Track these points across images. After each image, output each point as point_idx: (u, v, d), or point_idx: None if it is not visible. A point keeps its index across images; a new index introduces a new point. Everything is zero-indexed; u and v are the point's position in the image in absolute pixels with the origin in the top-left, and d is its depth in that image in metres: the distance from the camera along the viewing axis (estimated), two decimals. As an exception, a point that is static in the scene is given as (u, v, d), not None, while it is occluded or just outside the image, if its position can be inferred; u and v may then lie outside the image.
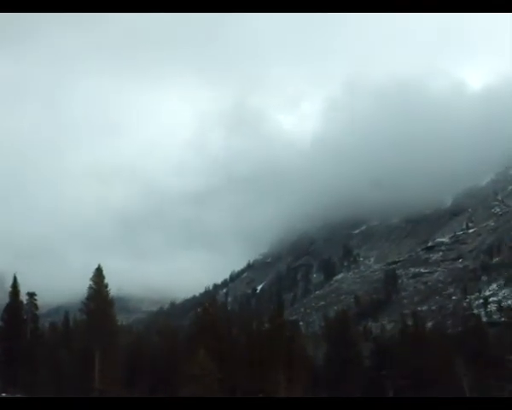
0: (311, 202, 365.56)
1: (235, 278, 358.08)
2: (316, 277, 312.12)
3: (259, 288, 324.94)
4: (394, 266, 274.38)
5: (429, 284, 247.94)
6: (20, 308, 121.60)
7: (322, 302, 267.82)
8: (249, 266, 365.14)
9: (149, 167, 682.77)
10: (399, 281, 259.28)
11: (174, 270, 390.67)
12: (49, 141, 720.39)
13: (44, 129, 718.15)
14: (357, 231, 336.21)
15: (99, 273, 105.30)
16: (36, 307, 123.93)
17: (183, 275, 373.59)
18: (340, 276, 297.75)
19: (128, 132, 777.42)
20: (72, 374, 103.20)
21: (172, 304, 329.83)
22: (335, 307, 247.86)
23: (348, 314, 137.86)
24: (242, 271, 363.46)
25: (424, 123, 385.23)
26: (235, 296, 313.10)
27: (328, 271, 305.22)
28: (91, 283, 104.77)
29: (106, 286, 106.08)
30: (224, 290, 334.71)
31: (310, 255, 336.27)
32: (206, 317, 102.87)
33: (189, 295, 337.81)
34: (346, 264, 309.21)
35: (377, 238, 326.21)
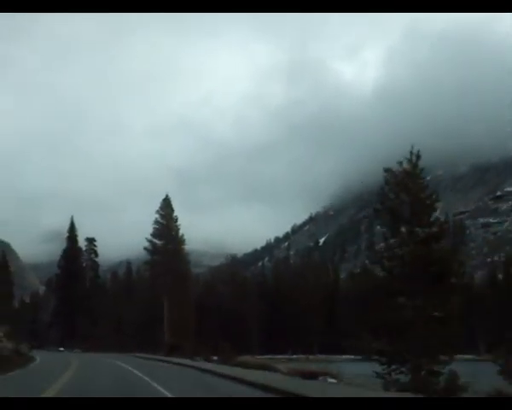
0: (374, 152, 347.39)
1: (296, 231, 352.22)
2: (380, 228, 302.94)
3: (322, 240, 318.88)
4: (462, 216, 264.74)
5: (499, 234, 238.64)
6: (79, 254, 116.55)
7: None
8: (311, 219, 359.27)
9: (207, 121, 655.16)
10: (467, 232, 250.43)
11: (234, 224, 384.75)
12: (107, 97, 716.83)
13: (102, 85, 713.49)
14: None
15: (167, 204, 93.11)
16: (96, 253, 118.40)
17: (244, 229, 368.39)
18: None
19: (185, 86, 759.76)
20: (137, 327, 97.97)
21: (233, 258, 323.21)
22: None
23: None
24: (304, 224, 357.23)
25: (490, 68, 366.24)
26: (297, 250, 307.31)
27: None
28: (158, 216, 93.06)
29: (175, 220, 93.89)
30: (286, 244, 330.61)
31: (373, 207, 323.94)
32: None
33: (249, 249, 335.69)
34: None
35: (443, 188, 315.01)
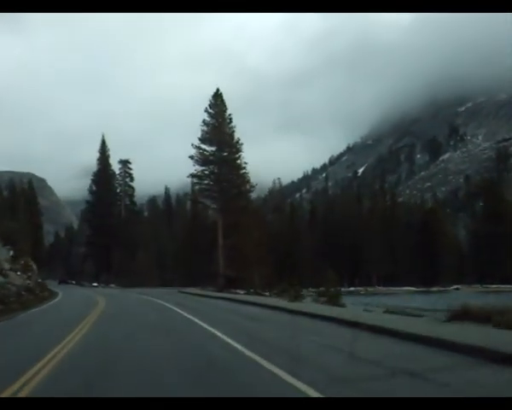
0: (413, 79, 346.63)
1: (334, 161, 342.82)
2: (420, 157, 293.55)
3: (361, 171, 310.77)
4: (505, 143, 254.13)
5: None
6: (112, 178, 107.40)
7: (429, 183, 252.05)
8: (349, 149, 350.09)
9: (242, 51, 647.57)
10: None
11: (270, 155, 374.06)
12: (143, 29, 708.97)
13: (137, 18, 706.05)
14: (462, 109, 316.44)
15: (218, 100, 77.59)
16: (131, 177, 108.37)
17: (280, 160, 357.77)
18: (446, 156, 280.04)
19: (218, 17, 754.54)
20: (182, 259, 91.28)
21: (271, 191, 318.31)
22: (443, 189, 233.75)
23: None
24: (342, 154, 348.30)
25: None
26: (335, 180, 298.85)
27: (434, 151, 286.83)
28: (206, 116, 77.05)
29: (229, 121, 77.93)
30: (324, 175, 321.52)
31: (412, 136, 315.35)
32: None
33: (287, 180, 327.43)
34: (452, 143, 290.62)
35: (485, 115, 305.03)
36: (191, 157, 76.84)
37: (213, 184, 76.72)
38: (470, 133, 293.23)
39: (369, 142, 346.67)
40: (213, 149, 77.41)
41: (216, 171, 76.87)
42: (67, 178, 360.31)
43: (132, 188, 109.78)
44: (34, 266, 55.95)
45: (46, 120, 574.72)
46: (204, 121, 77.06)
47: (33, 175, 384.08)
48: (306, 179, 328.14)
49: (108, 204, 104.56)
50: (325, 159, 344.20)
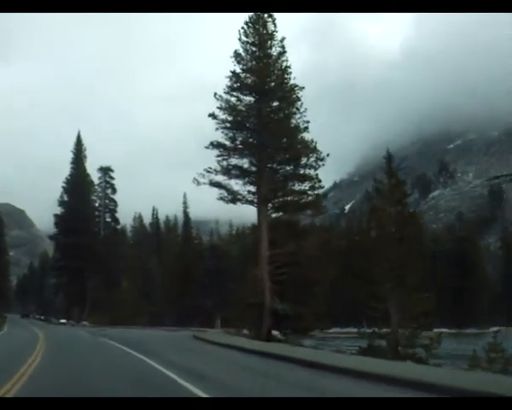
0: (402, 115, 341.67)
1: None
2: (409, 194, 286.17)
3: (347, 207, 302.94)
4: (497, 180, 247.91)
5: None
6: (89, 187, 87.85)
7: (420, 221, 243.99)
8: (335, 186, 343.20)
9: (221, 85, 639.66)
10: (504, 196, 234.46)
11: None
12: (125, 67, 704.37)
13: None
14: (452, 146, 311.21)
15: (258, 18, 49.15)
16: (113, 188, 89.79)
17: None
18: (436, 192, 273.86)
19: (205, 53, 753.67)
20: (177, 289, 78.88)
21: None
22: (434, 226, 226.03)
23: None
24: (328, 190, 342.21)
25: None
26: (323, 217, 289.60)
27: (424, 187, 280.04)
28: (241, 45, 48.47)
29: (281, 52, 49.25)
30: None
31: (402, 172, 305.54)
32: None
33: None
34: (442, 180, 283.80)
35: (475, 153, 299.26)
36: (211, 117, 47.80)
37: (253, 154, 48.18)
38: (460, 170, 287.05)
39: (356, 178, 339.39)
40: (251, 98, 48.86)
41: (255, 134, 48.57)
42: (47, 208, 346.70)
43: (114, 202, 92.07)
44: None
45: (25, 149, 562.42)
46: (237, 54, 48.18)
47: (12, 206, 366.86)
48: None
49: (83, 219, 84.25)
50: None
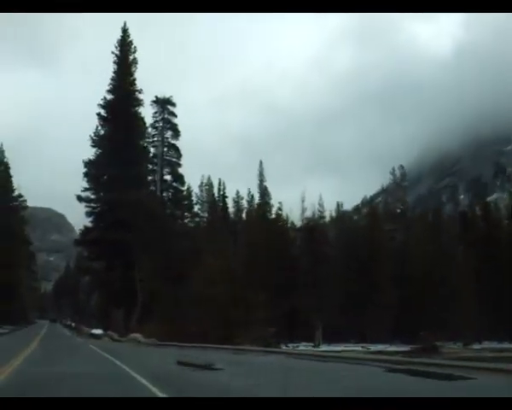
0: (455, 117, 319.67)
1: (367, 203, 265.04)
2: (463, 198, 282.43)
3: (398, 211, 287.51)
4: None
5: None
6: (139, 121, 59.55)
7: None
8: (383, 191, 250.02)
9: (271, 89, 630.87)
10: None
11: (301, 195, 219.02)
12: (168, 72, 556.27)
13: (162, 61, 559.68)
14: (509, 148, 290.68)
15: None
16: (176, 131, 63.90)
17: (311, 200, 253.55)
18: (493, 196, 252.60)
19: (248, 54, 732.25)
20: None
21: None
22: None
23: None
24: (376, 195, 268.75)
25: None
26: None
27: (479, 191, 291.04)
28: None
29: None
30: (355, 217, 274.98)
31: (455, 175, 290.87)
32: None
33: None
34: (498, 183, 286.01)
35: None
36: None
37: None
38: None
39: (405, 183, 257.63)
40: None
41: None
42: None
43: (178, 150, 63.21)
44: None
45: (67, 155, 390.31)
46: None
47: (53, 210, 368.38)
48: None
49: (129, 162, 56.08)
50: (357, 200, 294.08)
